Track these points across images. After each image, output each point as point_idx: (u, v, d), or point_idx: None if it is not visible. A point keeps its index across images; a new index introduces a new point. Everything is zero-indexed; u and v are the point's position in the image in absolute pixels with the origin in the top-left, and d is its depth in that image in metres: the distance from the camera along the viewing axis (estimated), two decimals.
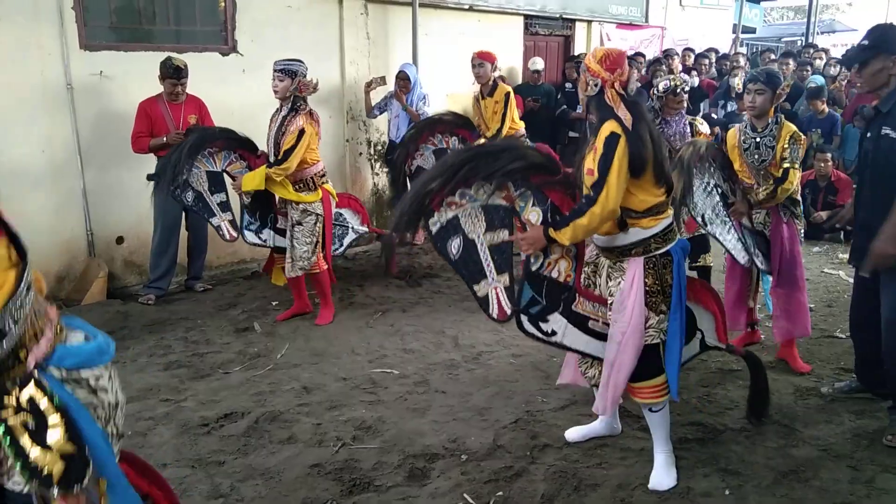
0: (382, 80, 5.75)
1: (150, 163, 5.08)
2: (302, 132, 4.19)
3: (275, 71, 4.23)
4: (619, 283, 2.71)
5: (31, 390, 1.35)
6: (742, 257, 3.83)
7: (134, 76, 5.14)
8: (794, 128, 3.73)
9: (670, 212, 2.73)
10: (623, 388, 2.71)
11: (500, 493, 2.75)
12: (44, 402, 1.35)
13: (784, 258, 3.78)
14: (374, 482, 2.83)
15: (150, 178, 4.82)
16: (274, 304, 4.99)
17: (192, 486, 2.82)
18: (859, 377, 3.46)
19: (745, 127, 3.83)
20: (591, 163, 2.59)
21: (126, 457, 1.64)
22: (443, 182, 2.58)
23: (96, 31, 5.09)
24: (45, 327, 1.39)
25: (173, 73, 4.92)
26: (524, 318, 2.76)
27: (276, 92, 4.25)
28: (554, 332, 2.79)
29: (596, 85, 2.62)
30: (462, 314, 4.85)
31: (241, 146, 4.55)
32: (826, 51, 10.45)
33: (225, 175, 4.58)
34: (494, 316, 2.78)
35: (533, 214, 2.68)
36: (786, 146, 3.66)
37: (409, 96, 6.26)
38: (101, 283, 5.09)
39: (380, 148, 7.04)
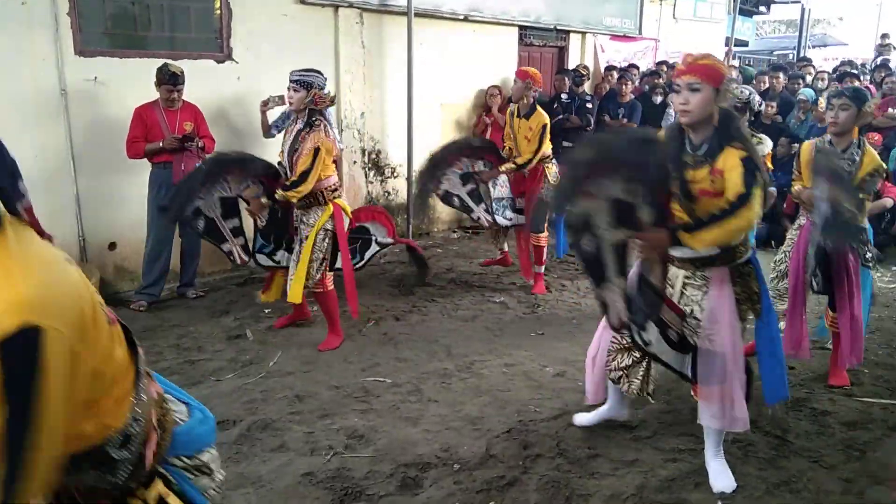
0: (280, 100, 5.46)
1: (144, 169, 5.08)
2: (317, 151, 3.99)
3: (290, 81, 4.06)
4: (704, 293, 2.71)
5: (158, 487, 1.26)
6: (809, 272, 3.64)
7: (128, 83, 5.14)
8: (878, 159, 3.51)
9: None
10: (743, 395, 2.72)
11: (493, 502, 2.74)
12: (172, 500, 1.27)
13: (843, 281, 3.60)
14: (365, 491, 2.82)
15: (161, 209, 4.69)
16: (267, 311, 4.97)
17: None
18: None
19: (824, 143, 3.61)
20: (709, 184, 2.58)
21: None
22: (595, 167, 2.45)
23: (91, 37, 5.08)
24: (155, 413, 1.26)
25: (169, 79, 4.92)
26: (634, 328, 2.70)
27: (290, 103, 4.10)
28: (649, 343, 2.75)
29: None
30: (455, 323, 4.85)
31: (258, 173, 4.26)
32: (813, 65, 10.54)
33: (239, 199, 4.34)
34: (613, 324, 2.64)
35: (644, 213, 2.49)
36: (867, 178, 3.46)
37: None
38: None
39: (374, 156, 7.05)
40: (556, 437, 3.24)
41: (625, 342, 2.92)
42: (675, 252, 2.73)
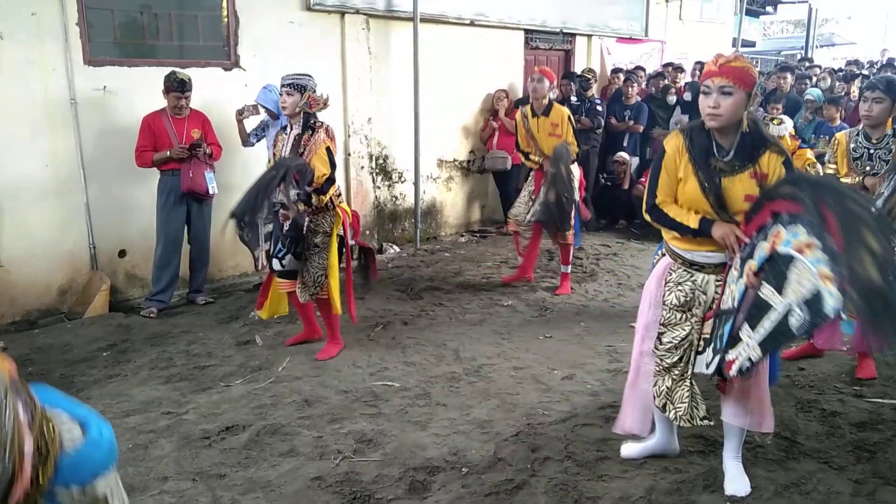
0: (255, 109, 5.31)
1: (153, 177, 5.13)
2: (329, 150, 3.98)
3: (283, 86, 4.02)
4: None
5: None
6: None
7: (137, 91, 5.19)
8: None
9: None
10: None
11: None
12: None
13: None
14: (374, 495, 2.83)
15: (234, 215, 4.57)
16: (276, 318, 4.98)
17: (193, 499, 2.82)
18: None
19: (857, 135, 3.62)
20: (751, 188, 2.51)
21: None
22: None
23: (100, 46, 5.14)
24: (26, 437, 1.02)
25: (177, 87, 4.96)
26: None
27: (284, 108, 4.04)
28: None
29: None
30: (463, 327, 4.86)
31: (306, 178, 4.06)
32: (819, 66, 10.53)
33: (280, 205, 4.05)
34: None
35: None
36: None
37: (279, 123, 5.37)
38: (104, 297, 5.11)
39: (381, 161, 7.08)
40: (564, 439, 3.24)
41: (665, 363, 2.76)
42: (704, 259, 2.64)
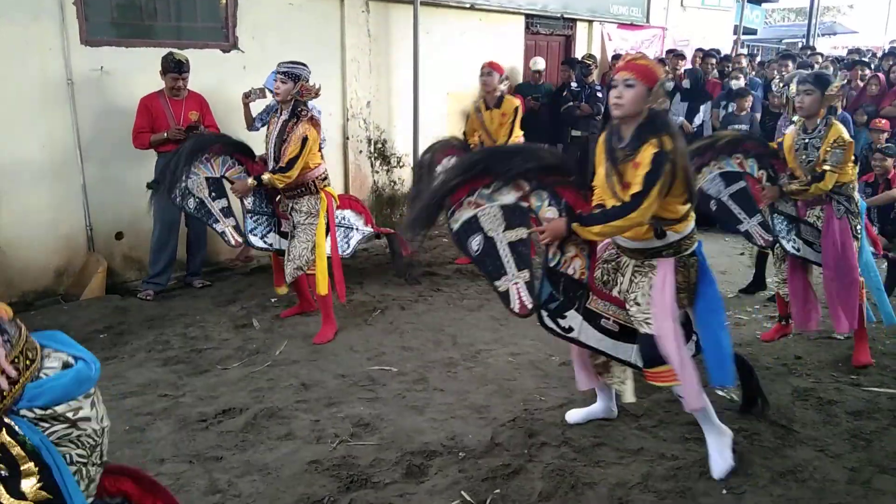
0: (262, 93, 5.16)
1: (150, 159, 5.09)
2: (305, 139, 4.10)
3: (277, 73, 4.14)
4: (649, 281, 2.79)
5: (2, 437, 1.30)
6: (761, 238, 3.91)
7: (134, 72, 5.15)
8: (842, 130, 3.70)
9: (693, 214, 2.83)
10: (693, 375, 2.76)
11: (498, 490, 2.75)
12: (16, 449, 1.30)
13: (834, 253, 3.78)
14: (371, 479, 2.83)
15: (149, 185, 4.76)
16: (273, 300, 4.99)
17: (190, 481, 2.82)
18: None
19: (799, 128, 3.87)
20: (631, 176, 2.63)
21: (131, 473, 1.62)
22: (459, 182, 2.78)
23: (97, 26, 5.09)
24: (7, 364, 1.30)
25: (175, 68, 4.92)
26: (544, 314, 2.87)
27: (277, 94, 4.17)
28: (571, 329, 2.90)
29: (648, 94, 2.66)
30: (461, 312, 4.85)
31: (237, 151, 4.45)
32: (821, 54, 10.47)
33: (224, 180, 4.43)
34: (516, 310, 2.88)
35: (549, 213, 2.80)
36: (828, 149, 3.67)
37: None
38: (101, 279, 5.09)
39: (379, 146, 7.05)
40: (561, 425, 3.25)
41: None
42: (625, 243, 2.85)
